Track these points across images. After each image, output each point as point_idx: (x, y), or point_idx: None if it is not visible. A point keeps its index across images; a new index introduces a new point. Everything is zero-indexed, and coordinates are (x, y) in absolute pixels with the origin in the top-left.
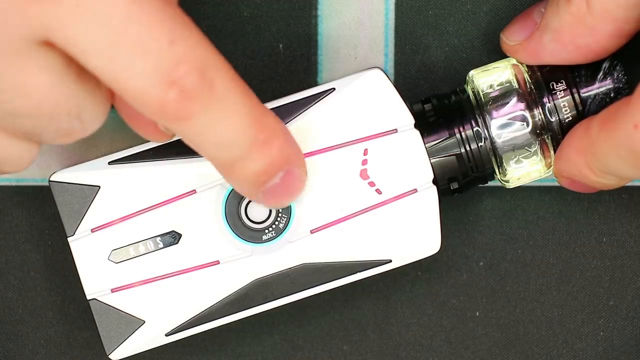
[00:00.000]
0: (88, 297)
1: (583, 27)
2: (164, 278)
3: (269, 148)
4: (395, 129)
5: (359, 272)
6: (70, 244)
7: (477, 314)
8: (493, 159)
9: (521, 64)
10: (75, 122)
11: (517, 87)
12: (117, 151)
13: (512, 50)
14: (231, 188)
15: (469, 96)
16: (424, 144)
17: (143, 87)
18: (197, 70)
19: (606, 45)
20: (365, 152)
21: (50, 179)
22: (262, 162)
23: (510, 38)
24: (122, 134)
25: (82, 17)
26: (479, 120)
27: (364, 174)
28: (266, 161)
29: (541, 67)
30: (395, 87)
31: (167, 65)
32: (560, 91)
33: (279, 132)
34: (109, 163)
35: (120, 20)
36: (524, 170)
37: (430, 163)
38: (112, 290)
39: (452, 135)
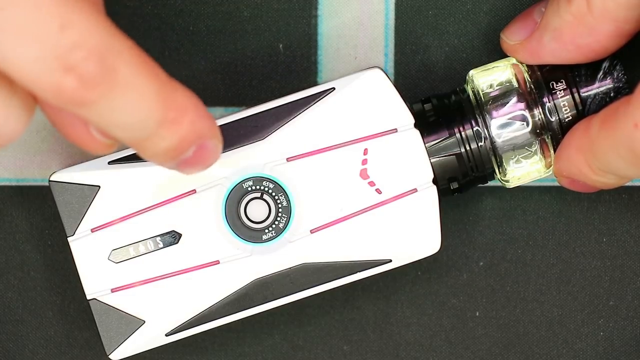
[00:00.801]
0: (88, 297)
1: (583, 26)
2: (164, 278)
3: (179, 125)
4: (395, 129)
5: (359, 272)
6: (70, 244)
7: (477, 314)
8: (493, 159)
9: (521, 63)
10: None
11: (517, 86)
12: (117, 151)
13: (512, 50)
14: (231, 188)
15: (468, 96)
16: (424, 144)
17: (36, 73)
18: (96, 56)
19: (606, 45)
20: (365, 152)
21: (50, 179)
22: (172, 140)
23: (511, 37)
24: None
25: None
26: (478, 119)
27: (363, 174)
28: (176, 138)
29: (541, 67)
30: (395, 86)
31: (59, 51)
32: (560, 91)
33: (189, 107)
34: (109, 163)
35: (2, 3)
36: (524, 170)
37: (430, 163)
38: (112, 290)
39: (452, 135)
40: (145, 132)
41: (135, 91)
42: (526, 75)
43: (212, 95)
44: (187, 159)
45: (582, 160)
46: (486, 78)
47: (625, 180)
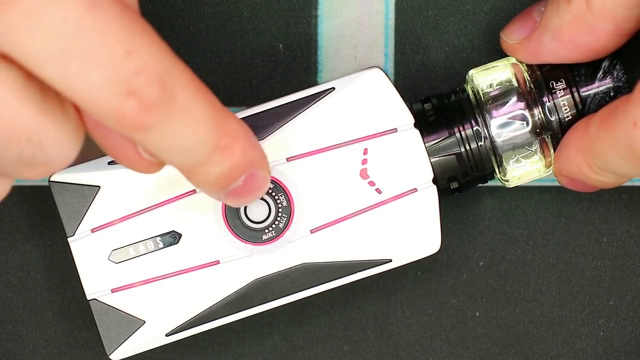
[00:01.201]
0: (88, 297)
1: (583, 26)
2: (164, 278)
3: (231, 152)
4: (395, 129)
5: (359, 271)
6: (70, 244)
7: (477, 314)
8: (493, 158)
9: (521, 63)
10: (38, 151)
11: (516, 86)
12: None
13: (512, 49)
14: None
15: (468, 95)
16: (424, 144)
17: (100, 98)
18: (157, 81)
19: (606, 44)
20: (365, 152)
21: (50, 179)
22: (224, 167)
23: (510, 37)
24: None
25: (33, 25)
26: (478, 119)
27: (363, 174)
28: (228, 165)
29: (541, 66)
30: (395, 86)
31: (124, 76)
32: (560, 90)
33: (242, 136)
34: (109, 163)
35: (73, 29)
36: (524, 170)
37: (430, 162)
38: (112, 291)
39: (452, 134)
40: (198, 157)
41: (192, 116)
42: (526, 75)
43: None
44: (236, 188)
45: (581, 160)
46: (486, 78)
47: (624, 180)
